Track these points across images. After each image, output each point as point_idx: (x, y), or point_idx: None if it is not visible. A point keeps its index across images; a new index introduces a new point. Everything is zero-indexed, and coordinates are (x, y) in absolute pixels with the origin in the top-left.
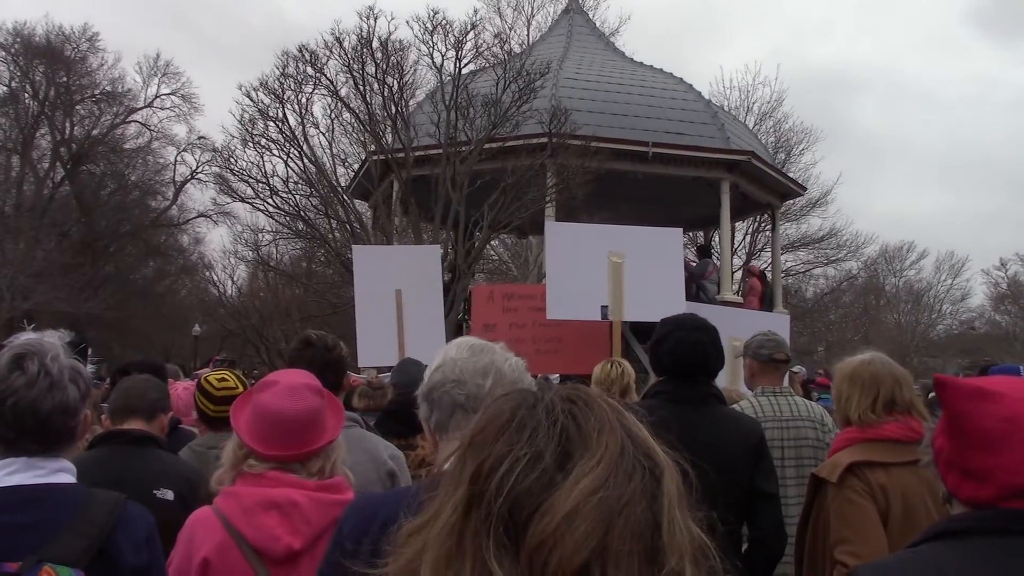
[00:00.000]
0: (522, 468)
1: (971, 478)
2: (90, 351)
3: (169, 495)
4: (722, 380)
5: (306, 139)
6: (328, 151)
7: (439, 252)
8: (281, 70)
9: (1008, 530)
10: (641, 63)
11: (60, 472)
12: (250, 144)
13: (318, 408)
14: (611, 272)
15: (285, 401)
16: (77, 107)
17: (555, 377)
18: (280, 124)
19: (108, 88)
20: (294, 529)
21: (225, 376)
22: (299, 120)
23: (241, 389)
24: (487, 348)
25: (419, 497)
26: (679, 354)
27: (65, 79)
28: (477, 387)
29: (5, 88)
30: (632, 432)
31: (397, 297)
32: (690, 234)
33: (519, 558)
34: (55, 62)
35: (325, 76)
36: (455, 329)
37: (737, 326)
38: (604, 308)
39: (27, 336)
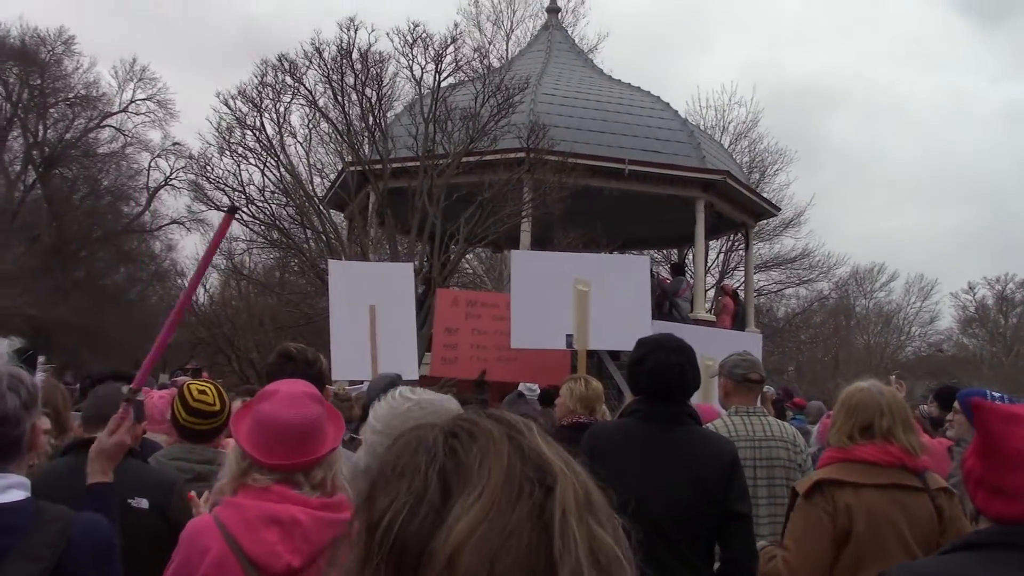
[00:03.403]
0: (404, 516)
1: (1001, 496)
2: (42, 358)
3: (144, 504)
4: (694, 399)
5: (283, 148)
6: (305, 161)
7: (412, 270)
8: (260, 79)
9: None
10: (619, 81)
11: (11, 489)
12: (227, 152)
13: (319, 417)
14: (576, 300)
15: (287, 410)
16: (51, 110)
17: (534, 386)
18: (257, 133)
19: (83, 92)
20: (295, 547)
21: (206, 389)
22: (276, 129)
23: (218, 407)
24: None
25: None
26: (658, 375)
27: (39, 81)
28: None
29: None
30: (525, 449)
31: (371, 312)
32: (664, 251)
33: None
34: (29, 64)
35: (304, 86)
36: (428, 342)
37: (710, 345)
38: (569, 337)
39: None
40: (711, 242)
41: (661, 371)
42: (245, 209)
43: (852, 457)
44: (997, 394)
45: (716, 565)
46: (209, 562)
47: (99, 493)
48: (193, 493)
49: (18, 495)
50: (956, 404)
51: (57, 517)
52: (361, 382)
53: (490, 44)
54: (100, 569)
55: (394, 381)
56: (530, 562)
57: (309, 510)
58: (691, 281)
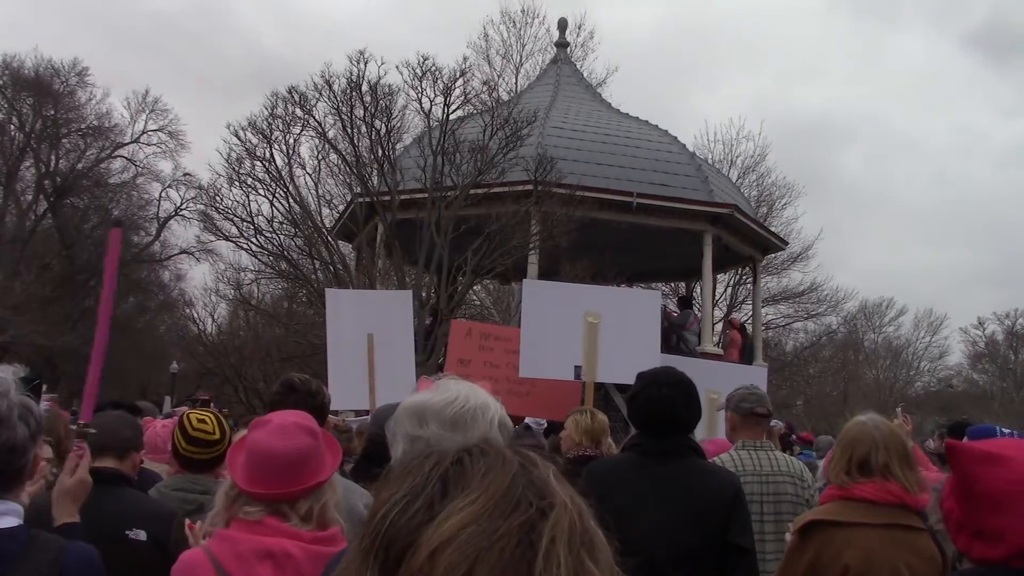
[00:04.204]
0: (399, 509)
1: (982, 539)
2: (44, 387)
3: (142, 535)
4: (699, 432)
5: (292, 179)
6: (314, 192)
7: (411, 298)
8: (270, 110)
9: None
10: (627, 114)
11: (5, 516)
12: (236, 183)
13: (308, 448)
14: (586, 332)
15: (275, 440)
16: (63, 140)
17: (542, 420)
18: (267, 164)
19: (95, 122)
20: None
21: (206, 418)
22: (286, 160)
23: (218, 436)
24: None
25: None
26: (650, 409)
27: (52, 112)
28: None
29: None
30: (532, 477)
31: (369, 341)
32: (672, 285)
33: None
34: (43, 95)
35: (313, 117)
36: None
37: (714, 378)
38: (578, 368)
39: None
40: (719, 275)
41: (655, 405)
42: (254, 240)
43: (851, 495)
44: (1007, 430)
45: None
46: None
47: (68, 534)
48: (190, 522)
49: (12, 522)
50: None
51: (50, 546)
52: (365, 414)
53: (499, 77)
54: None
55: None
56: (513, 570)
57: (302, 544)
58: (699, 314)
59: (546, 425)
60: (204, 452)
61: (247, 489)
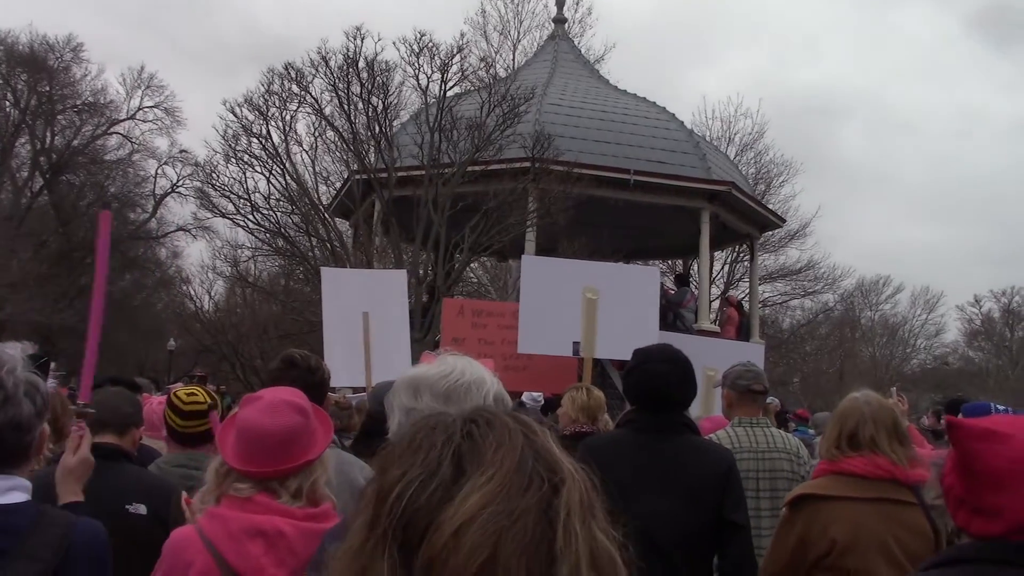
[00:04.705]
0: (415, 488)
1: (981, 515)
2: (53, 364)
3: (142, 509)
4: (695, 409)
5: (289, 156)
6: (311, 169)
7: (406, 277)
8: (266, 87)
9: (1016, 562)
10: (625, 91)
11: (13, 491)
12: (233, 160)
13: (297, 426)
14: (585, 308)
15: (264, 417)
16: (58, 117)
17: (538, 395)
18: (263, 141)
19: (90, 99)
20: (279, 560)
21: (195, 391)
22: (282, 137)
23: (208, 403)
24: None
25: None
26: (647, 386)
27: (47, 88)
28: None
29: None
30: (537, 447)
31: (364, 320)
32: (669, 262)
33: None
34: (38, 71)
35: (310, 94)
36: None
37: (711, 356)
38: (576, 344)
39: None
40: (716, 253)
41: (651, 381)
42: (250, 217)
43: (840, 469)
44: (1002, 407)
45: None
46: (194, 575)
47: (73, 512)
48: (187, 496)
49: (20, 497)
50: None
51: (58, 521)
52: (362, 391)
53: (496, 54)
54: (96, 574)
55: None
56: (532, 550)
57: (294, 521)
58: (695, 292)
59: (542, 402)
60: (198, 424)
61: (237, 467)
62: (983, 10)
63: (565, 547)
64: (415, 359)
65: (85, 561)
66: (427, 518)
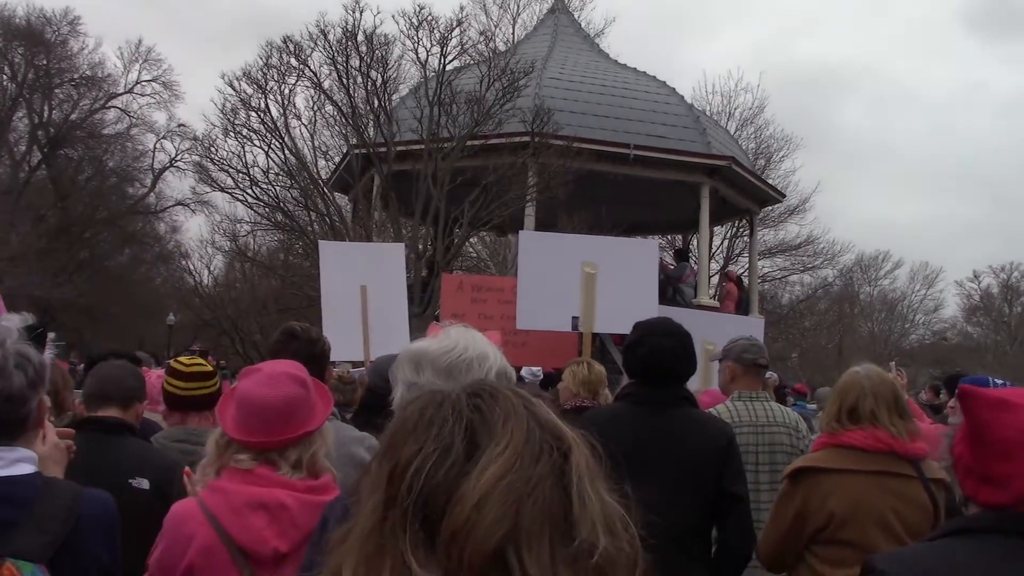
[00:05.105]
0: (432, 464)
1: (989, 484)
2: (51, 336)
3: (145, 484)
4: (693, 383)
5: (288, 130)
6: (309, 143)
7: (404, 250)
8: (264, 60)
9: (1022, 532)
10: (625, 65)
11: (19, 462)
12: (231, 134)
13: (296, 397)
14: (584, 283)
15: (263, 388)
16: (56, 91)
17: (537, 370)
18: (262, 115)
19: (88, 72)
20: (281, 532)
21: (195, 359)
22: (281, 111)
23: (211, 368)
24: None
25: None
26: (650, 360)
27: (44, 62)
28: None
29: None
30: (539, 417)
31: (362, 293)
32: (668, 237)
33: (436, 551)
34: (35, 44)
35: (309, 68)
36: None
37: (711, 330)
38: (575, 319)
39: None
40: (715, 228)
41: (654, 355)
42: (249, 191)
43: (840, 442)
44: (999, 381)
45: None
46: (195, 549)
47: None
48: (187, 469)
49: (26, 468)
50: (958, 391)
51: (65, 491)
52: (361, 365)
53: (496, 27)
54: (105, 545)
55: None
56: (551, 516)
57: (296, 493)
58: (695, 267)
59: (541, 377)
60: (202, 386)
61: (236, 437)
62: None
63: (581, 511)
64: (414, 333)
65: (94, 531)
66: (447, 492)
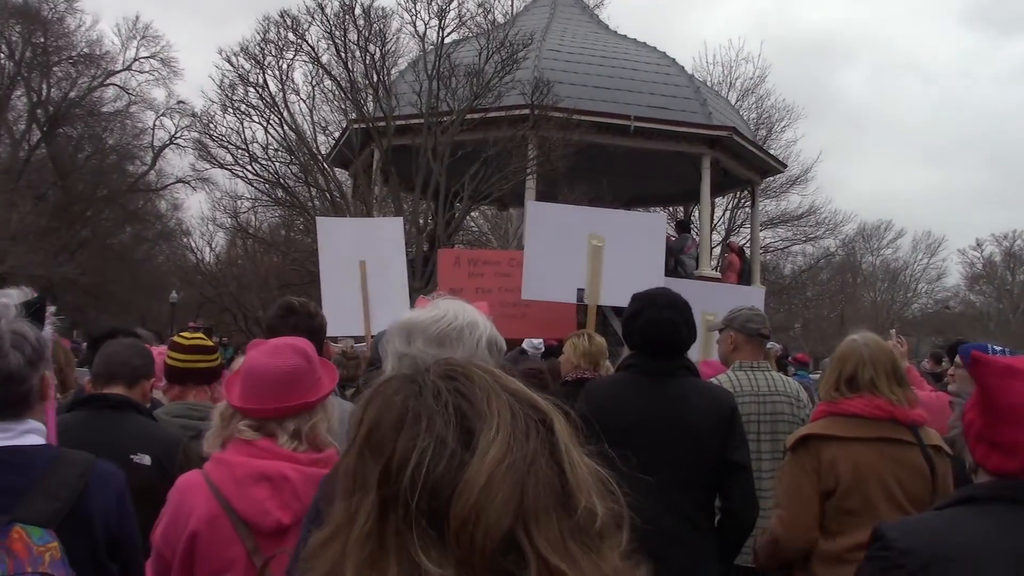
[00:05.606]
0: (431, 457)
1: (998, 451)
2: (51, 309)
3: (146, 460)
4: (693, 354)
5: (286, 106)
6: (309, 118)
7: (402, 224)
8: (262, 35)
9: None
10: (624, 36)
11: (28, 433)
12: (230, 110)
13: (298, 367)
14: (590, 255)
15: (265, 357)
16: (54, 68)
17: (539, 342)
18: (260, 90)
19: (86, 50)
20: (284, 504)
21: (196, 334)
22: (280, 86)
23: (212, 343)
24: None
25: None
26: (649, 331)
27: (42, 40)
28: None
29: None
30: (513, 390)
31: (361, 268)
32: (670, 209)
33: (445, 543)
34: (32, 22)
35: (306, 42)
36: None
37: (711, 300)
38: (580, 291)
39: None
40: (717, 199)
41: (653, 326)
42: (249, 167)
43: (840, 411)
44: (999, 347)
45: (717, 517)
46: (199, 520)
47: None
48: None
49: (36, 439)
50: (957, 358)
51: (77, 461)
52: (363, 340)
53: None
54: (110, 517)
55: None
56: (552, 490)
57: (298, 466)
58: (696, 239)
59: (543, 349)
60: (203, 359)
61: (238, 405)
62: None
63: (575, 480)
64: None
65: (104, 501)
66: (451, 483)
